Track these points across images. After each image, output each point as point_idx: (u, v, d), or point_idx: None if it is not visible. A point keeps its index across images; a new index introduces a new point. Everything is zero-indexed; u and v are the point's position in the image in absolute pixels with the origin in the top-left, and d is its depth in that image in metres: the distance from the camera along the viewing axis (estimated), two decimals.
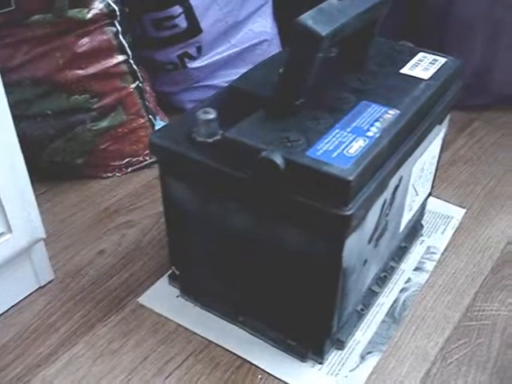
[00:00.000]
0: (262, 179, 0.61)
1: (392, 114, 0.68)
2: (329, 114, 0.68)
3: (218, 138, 0.67)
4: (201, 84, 1.26)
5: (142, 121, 1.09)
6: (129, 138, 1.10)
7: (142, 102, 1.08)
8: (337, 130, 0.65)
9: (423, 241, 0.96)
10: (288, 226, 0.65)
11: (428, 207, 0.99)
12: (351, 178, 0.58)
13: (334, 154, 0.61)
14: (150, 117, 1.11)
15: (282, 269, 0.70)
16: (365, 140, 0.63)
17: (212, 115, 0.67)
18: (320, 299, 0.69)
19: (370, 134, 0.64)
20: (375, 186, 0.63)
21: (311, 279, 0.68)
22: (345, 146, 0.62)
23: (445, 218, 1.01)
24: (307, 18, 0.61)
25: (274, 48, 1.30)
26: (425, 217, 0.99)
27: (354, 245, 0.66)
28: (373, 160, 0.62)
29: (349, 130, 0.65)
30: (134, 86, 1.06)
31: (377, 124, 0.66)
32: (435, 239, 0.97)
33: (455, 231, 0.99)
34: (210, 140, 0.67)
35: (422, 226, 0.97)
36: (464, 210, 1.04)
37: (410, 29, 1.14)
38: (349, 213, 0.59)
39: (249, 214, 0.68)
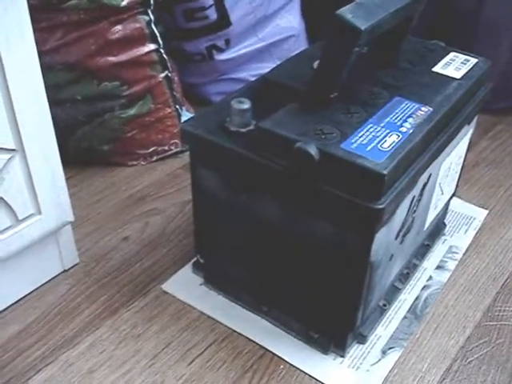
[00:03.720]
0: (296, 170, 0.62)
1: (425, 110, 0.68)
2: (362, 108, 0.68)
3: (251, 128, 0.68)
4: (227, 77, 1.26)
5: (169, 110, 1.10)
6: (155, 127, 1.10)
7: (170, 91, 1.09)
8: (370, 125, 0.65)
9: (445, 240, 0.96)
10: (319, 217, 0.66)
11: (451, 207, 0.99)
12: (385, 171, 0.58)
13: (369, 148, 0.61)
14: (177, 107, 1.11)
15: (309, 260, 0.70)
16: (398, 135, 0.64)
17: (246, 105, 0.68)
18: (346, 292, 0.70)
19: (403, 129, 0.65)
20: (407, 181, 0.63)
21: (338, 272, 0.68)
22: (379, 140, 0.63)
23: (467, 218, 1.02)
24: (347, 12, 0.61)
25: (301, 44, 1.30)
26: (448, 216, 1.00)
27: (383, 239, 0.66)
28: (406, 155, 0.62)
29: (382, 124, 0.65)
30: (163, 75, 1.07)
31: (410, 120, 0.66)
32: (457, 239, 0.97)
33: (477, 232, 0.99)
34: (244, 130, 0.68)
35: (444, 225, 0.98)
36: (486, 212, 1.04)
37: (439, 30, 1.14)
38: (381, 206, 0.59)
39: (280, 205, 0.69)
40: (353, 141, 0.62)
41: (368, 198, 0.59)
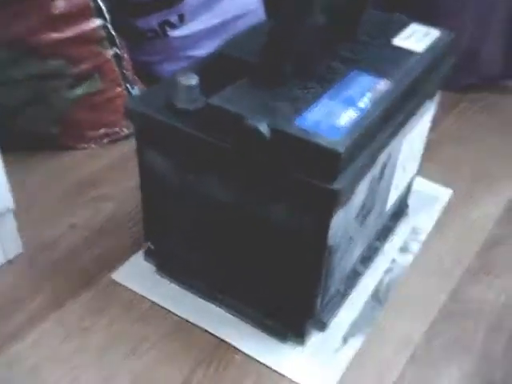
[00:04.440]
0: (246, 149, 0.58)
1: (384, 85, 0.65)
2: (318, 83, 0.64)
3: (200, 105, 0.64)
4: (183, 54, 1.21)
5: (120, 89, 1.06)
6: (105, 108, 1.06)
7: (120, 69, 1.05)
8: (326, 100, 0.61)
9: (409, 221, 0.94)
10: (273, 199, 0.62)
11: (414, 187, 0.96)
12: (342, 150, 0.55)
13: (324, 125, 0.57)
14: (128, 86, 1.07)
15: (264, 245, 0.67)
16: (355, 111, 0.60)
17: (194, 81, 0.63)
18: (303, 277, 0.67)
19: (361, 104, 0.61)
20: (365, 160, 0.60)
21: (295, 256, 0.65)
22: (335, 116, 0.59)
23: (431, 198, 0.99)
24: None
25: (258, 19, 1.25)
26: (411, 197, 0.97)
27: (341, 222, 0.63)
28: (364, 132, 0.59)
29: (339, 100, 0.62)
30: (111, 52, 1.02)
31: (368, 95, 0.63)
32: (421, 220, 0.94)
33: (441, 212, 0.97)
34: (192, 107, 0.64)
35: (407, 205, 0.95)
36: (450, 191, 1.01)
37: (400, 2, 1.11)
38: (338, 187, 0.56)
39: (231, 187, 0.65)
40: (307, 117, 0.58)
41: (324, 179, 0.56)
